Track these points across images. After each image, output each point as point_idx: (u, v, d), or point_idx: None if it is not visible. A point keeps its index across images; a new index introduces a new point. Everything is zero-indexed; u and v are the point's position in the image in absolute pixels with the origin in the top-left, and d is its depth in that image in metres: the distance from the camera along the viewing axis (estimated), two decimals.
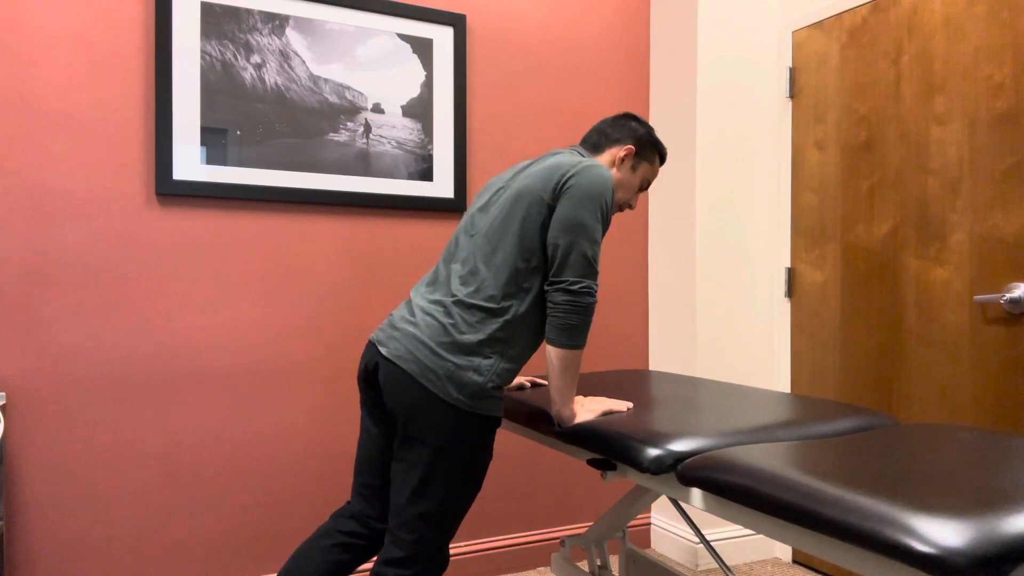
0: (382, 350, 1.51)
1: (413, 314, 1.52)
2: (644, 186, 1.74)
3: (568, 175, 1.50)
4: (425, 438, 1.45)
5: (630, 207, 1.74)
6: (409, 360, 1.46)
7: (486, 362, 1.46)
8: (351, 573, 1.64)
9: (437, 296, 1.53)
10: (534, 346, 1.56)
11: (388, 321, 1.57)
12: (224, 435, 2.26)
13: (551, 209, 1.50)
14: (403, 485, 1.48)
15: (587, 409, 1.53)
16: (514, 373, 1.53)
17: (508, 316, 1.48)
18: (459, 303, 1.49)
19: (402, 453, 1.48)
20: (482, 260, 1.51)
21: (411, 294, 1.61)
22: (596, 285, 1.48)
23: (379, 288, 2.46)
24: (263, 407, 2.31)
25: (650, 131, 1.71)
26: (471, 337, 1.46)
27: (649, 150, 1.70)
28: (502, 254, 1.50)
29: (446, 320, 1.48)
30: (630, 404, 1.58)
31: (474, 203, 1.67)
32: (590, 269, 1.47)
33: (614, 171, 1.67)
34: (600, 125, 1.72)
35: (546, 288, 1.49)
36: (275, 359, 2.32)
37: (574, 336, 1.46)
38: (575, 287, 1.45)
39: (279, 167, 2.30)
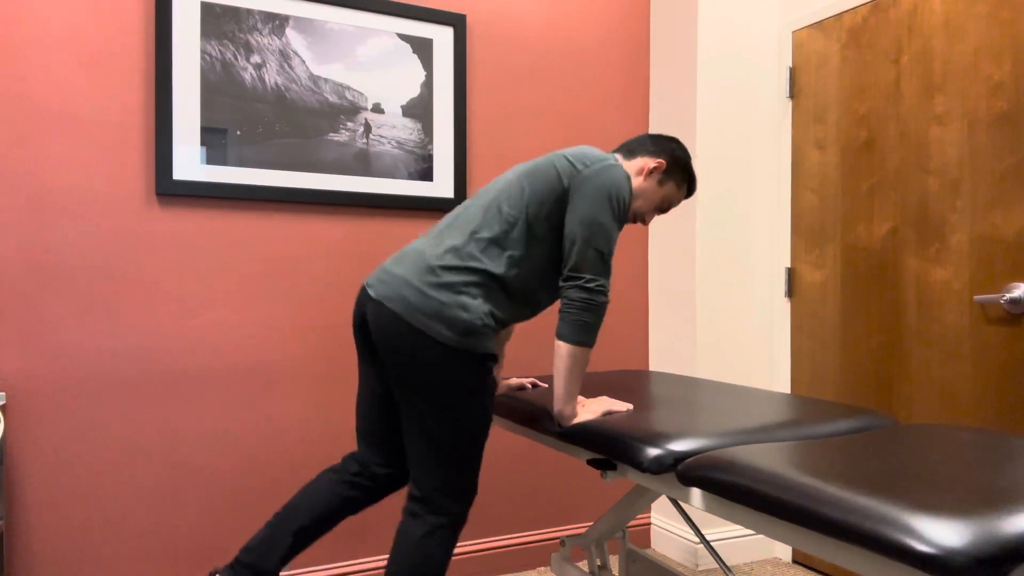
0: (370, 291, 1.52)
1: (403, 256, 1.54)
2: (664, 207, 1.73)
3: (590, 165, 1.52)
4: (420, 379, 1.46)
5: (643, 222, 1.73)
6: (396, 300, 1.47)
7: (473, 301, 1.47)
8: (357, 511, 1.67)
9: (429, 240, 1.55)
10: (515, 314, 1.56)
11: (380, 265, 1.59)
12: (224, 434, 2.26)
13: (564, 191, 1.52)
14: (409, 428, 1.49)
15: (588, 409, 1.54)
16: (500, 320, 1.52)
17: (493, 268, 1.49)
18: (451, 248, 1.51)
19: (402, 397, 1.50)
20: (483, 221, 1.53)
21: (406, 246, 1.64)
22: (609, 285, 1.50)
23: None
24: (263, 406, 2.31)
25: (688, 159, 1.71)
26: (456, 277, 1.47)
27: (680, 173, 1.70)
28: (504, 215, 1.52)
29: (434, 261, 1.49)
30: (630, 405, 1.58)
31: (480, 190, 1.70)
32: (604, 268, 1.49)
33: (640, 179, 1.67)
34: (643, 136, 1.73)
35: (561, 283, 1.51)
36: (275, 358, 2.32)
37: (586, 334, 1.48)
38: (591, 285, 1.47)
39: (279, 167, 2.30)
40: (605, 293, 1.49)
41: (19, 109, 2.03)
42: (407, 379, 1.47)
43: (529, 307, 1.59)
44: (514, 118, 2.68)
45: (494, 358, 1.51)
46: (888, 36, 2.40)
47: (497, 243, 1.51)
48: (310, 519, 1.62)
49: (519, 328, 2.69)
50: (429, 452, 1.48)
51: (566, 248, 1.50)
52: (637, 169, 1.67)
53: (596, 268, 1.48)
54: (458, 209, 1.61)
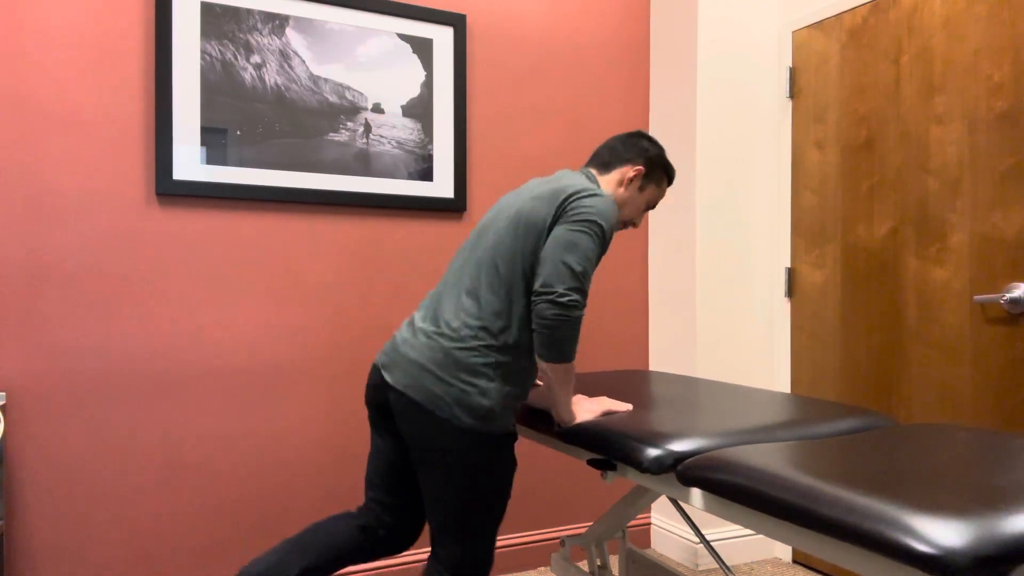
0: (388, 377, 1.51)
1: (416, 338, 1.52)
2: (650, 206, 1.74)
3: (572, 199, 1.49)
4: (444, 462, 1.47)
5: (634, 225, 1.74)
6: (417, 388, 1.46)
7: (492, 385, 1.46)
8: (364, 561, 1.67)
9: (439, 320, 1.52)
10: (533, 373, 1.57)
11: (391, 344, 1.57)
12: (224, 434, 2.26)
13: (550, 231, 1.49)
14: (432, 506, 1.51)
15: (587, 410, 1.54)
16: (521, 396, 1.53)
17: (508, 340, 1.48)
18: (462, 328, 1.48)
19: (424, 476, 1.51)
20: (484, 283, 1.50)
21: (414, 315, 1.61)
22: (583, 299, 1.43)
23: (379, 288, 2.46)
24: (263, 406, 2.31)
25: (661, 152, 1.70)
26: (475, 360, 1.46)
27: (658, 171, 1.70)
28: (503, 277, 1.49)
29: (449, 344, 1.47)
30: (630, 406, 1.58)
31: (481, 221, 1.66)
32: (578, 283, 1.42)
33: (621, 190, 1.66)
34: (611, 142, 1.70)
35: (533, 299, 1.43)
36: (275, 358, 2.32)
37: (565, 351, 1.44)
38: (563, 300, 1.40)
39: (279, 167, 2.30)
40: (579, 307, 1.42)
41: (19, 109, 2.03)
42: (430, 460, 1.48)
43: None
44: (514, 118, 2.68)
45: (515, 436, 1.53)
46: (888, 36, 2.40)
47: (505, 311, 1.48)
48: (319, 558, 1.60)
49: None
50: (449, 524, 1.50)
51: (540, 265, 1.45)
52: (617, 180, 1.66)
53: (569, 282, 1.41)
54: (460, 268, 1.57)
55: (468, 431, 1.45)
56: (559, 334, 1.42)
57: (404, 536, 1.67)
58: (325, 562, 1.61)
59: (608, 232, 1.49)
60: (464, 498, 1.48)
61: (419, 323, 1.55)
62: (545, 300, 1.41)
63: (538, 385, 1.94)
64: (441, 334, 1.49)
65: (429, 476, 1.49)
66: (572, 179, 1.57)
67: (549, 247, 1.45)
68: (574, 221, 1.46)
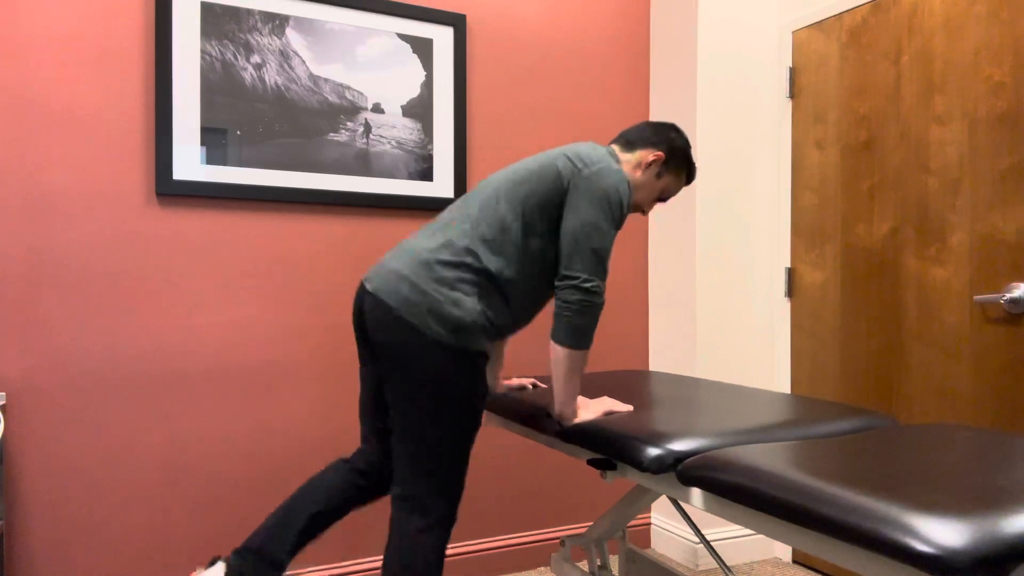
0: (367, 285, 1.52)
1: (400, 250, 1.54)
2: (664, 197, 1.74)
3: (590, 165, 1.51)
4: (412, 373, 1.45)
5: (643, 212, 1.74)
6: (391, 293, 1.47)
7: (468, 299, 1.46)
8: (367, 501, 1.67)
9: (427, 237, 1.54)
10: (514, 315, 1.54)
11: (379, 260, 1.59)
12: (224, 434, 2.26)
13: (565, 190, 1.51)
14: (397, 425, 1.49)
15: (589, 409, 1.53)
16: (494, 324, 1.50)
17: (490, 266, 1.48)
18: (447, 243, 1.50)
19: (392, 392, 1.49)
20: (479, 212, 1.52)
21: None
22: (604, 287, 1.48)
23: None
24: (263, 406, 2.31)
25: (687, 147, 1.70)
26: (452, 273, 1.47)
27: (679, 163, 1.70)
28: (501, 211, 1.51)
29: (430, 256, 1.49)
30: (631, 407, 1.58)
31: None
32: (601, 269, 1.47)
33: (638, 172, 1.67)
34: (642, 124, 1.71)
35: (557, 283, 1.49)
36: (275, 358, 2.32)
37: (583, 337, 1.47)
38: (587, 285, 1.45)
39: (279, 167, 2.30)
40: (601, 294, 1.48)
41: (19, 109, 2.03)
42: (397, 373, 1.47)
43: (525, 308, 1.56)
44: (514, 118, 2.68)
45: (485, 357, 1.50)
46: (888, 36, 2.40)
47: (495, 241, 1.50)
48: (323, 506, 1.61)
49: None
50: (415, 450, 1.47)
51: (563, 247, 1.49)
52: (636, 162, 1.67)
53: (593, 268, 1.47)
54: (457, 203, 1.61)
55: (437, 341, 1.44)
56: (581, 319, 1.45)
57: None
58: (332, 507, 1.61)
59: (625, 212, 1.52)
60: (429, 413, 1.45)
61: (407, 241, 1.57)
62: (570, 285, 1.46)
63: (538, 385, 1.94)
64: (426, 248, 1.51)
65: (398, 391, 1.47)
66: (595, 149, 1.58)
67: (572, 225, 1.48)
68: (594, 196, 1.49)
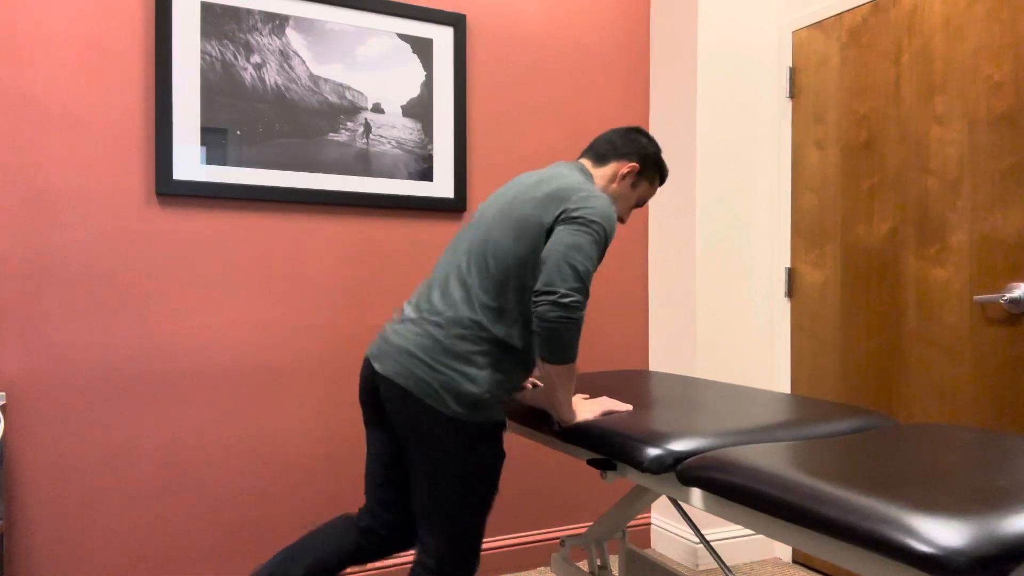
0: (377, 367, 1.51)
1: (405, 327, 1.52)
2: (640, 203, 1.74)
3: (572, 206, 1.47)
4: (432, 452, 1.46)
5: (621, 221, 1.74)
6: (406, 376, 1.46)
7: (481, 373, 1.45)
8: (364, 562, 1.66)
9: (429, 309, 1.52)
10: (527, 366, 1.55)
11: (381, 335, 1.57)
12: (224, 435, 2.26)
13: (549, 234, 1.48)
14: (420, 496, 1.50)
15: (587, 409, 1.53)
16: (510, 388, 1.52)
17: (498, 333, 1.47)
18: (451, 316, 1.48)
19: (414, 467, 1.50)
20: (475, 277, 1.50)
21: (404, 306, 1.61)
22: (584, 301, 1.42)
23: (379, 288, 2.46)
24: (263, 407, 2.31)
25: (657, 151, 1.70)
26: (463, 347, 1.46)
27: (652, 169, 1.70)
28: (493, 274, 1.49)
29: (438, 332, 1.47)
30: (630, 406, 1.58)
31: (473, 217, 1.65)
32: (580, 283, 1.40)
33: (614, 185, 1.66)
34: (610, 135, 1.69)
35: (534, 299, 1.42)
36: (275, 359, 2.32)
37: (567, 352, 1.44)
38: (566, 300, 1.38)
39: (279, 167, 2.30)
40: (581, 309, 1.41)
41: (19, 109, 2.03)
42: (419, 449, 1.48)
43: (531, 363, 1.57)
44: (514, 118, 2.68)
45: (503, 425, 1.52)
46: (888, 36, 2.40)
47: (497, 308, 1.47)
48: (321, 561, 1.61)
49: None
50: (435, 515, 1.49)
51: (542, 265, 1.43)
52: (611, 175, 1.66)
53: (571, 282, 1.40)
54: (451, 256, 1.57)
55: (456, 419, 1.44)
56: (562, 336, 1.41)
57: (406, 534, 1.67)
58: (327, 564, 1.61)
59: (609, 234, 1.49)
60: (451, 488, 1.47)
61: (408, 313, 1.55)
62: (547, 301, 1.40)
63: (538, 385, 1.94)
64: (430, 322, 1.49)
65: (417, 465, 1.49)
66: (569, 178, 1.54)
67: (551, 247, 1.44)
68: (576, 221, 1.46)
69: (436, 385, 1.44)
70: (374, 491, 1.65)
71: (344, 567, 1.64)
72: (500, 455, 1.53)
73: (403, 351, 1.48)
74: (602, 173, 1.67)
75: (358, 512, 1.70)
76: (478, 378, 1.45)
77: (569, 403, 1.52)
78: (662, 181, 1.75)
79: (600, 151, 1.68)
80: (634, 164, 1.66)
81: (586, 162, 1.69)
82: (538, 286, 1.42)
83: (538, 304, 1.41)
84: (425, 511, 1.50)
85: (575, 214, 1.46)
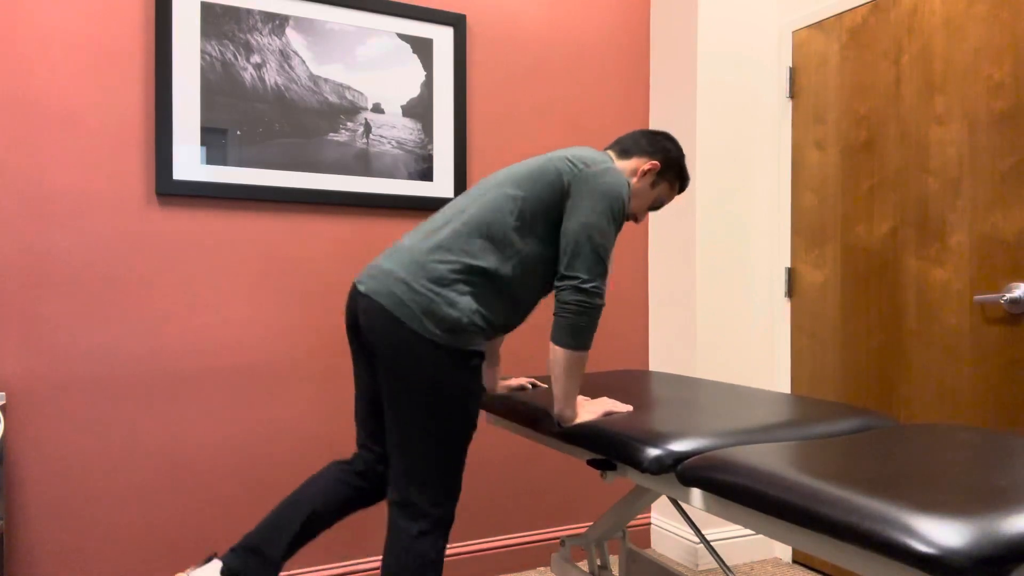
0: (360, 287, 1.51)
1: (394, 251, 1.53)
2: (657, 205, 1.73)
3: (591, 166, 1.51)
4: (407, 375, 1.44)
5: (635, 220, 1.74)
6: (384, 294, 1.45)
7: (462, 299, 1.45)
8: (368, 504, 1.66)
9: (421, 237, 1.53)
10: (508, 313, 1.53)
11: (371, 262, 1.57)
12: (224, 434, 2.26)
13: (565, 190, 1.50)
14: (393, 425, 1.47)
15: (588, 410, 1.53)
16: (490, 324, 1.50)
17: (486, 264, 1.47)
18: (443, 242, 1.48)
19: (387, 393, 1.47)
20: (477, 210, 1.51)
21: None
22: (605, 287, 1.47)
23: None
24: (263, 406, 2.31)
25: (681, 156, 1.70)
26: (447, 272, 1.45)
27: (673, 172, 1.70)
28: (498, 210, 1.50)
29: (425, 256, 1.47)
30: (631, 407, 1.58)
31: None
32: (601, 270, 1.46)
33: (634, 180, 1.67)
34: (636, 134, 1.71)
35: (556, 283, 1.48)
36: (275, 358, 2.32)
37: (582, 338, 1.46)
38: (587, 286, 1.44)
39: (279, 167, 2.30)
40: (601, 295, 1.47)
41: (19, 109, 2.03)
42: (392, 374, 1.45)
43: (519, 308, 1.55)
44: (514, 118, 2.68)
45: (481, 356, 1.49)
46: (888, 36, 2.40)
47: (492, 239, 1.49)
48: (322, 506, 1.60)
49: (520, 326, 2.69)
50: (410, 453, 1.46)
51: (563, 247, 1.48)
52: (631, 170, 1.66)
53: (593, 269, 1.46)
54: (453, 202, 1.60)
55: (432, 341, 1.43)
56: (581, 321, 1.45)
57: None
58: (330, 508, 1.60)
59: (622, 212, 1.51)
60: (422, 413, 1.44)
61: (401, 241, 1.56)
62: (570, 286, 1.45)
63: (538, 385, 1.94)
64: (418, 248, 1.49)
65: (393, 392, 1.46)
66: (595, 152, 1.58)
67: (572, 226, 1.47)
68: (595, 196, 1.48)
69: (414, 306, 1.43)
70: (364, 425, 1.65)
71: (346, 512, 1.63)
72: (475, 385, 1.49)
73: (386, 272, 1.48)
74: (623, 166, 1.67)
75: (351, 457, 1.68)
76: (458, 302, 1.44)
77: (573, 397, 1.51)
78: (682, 188, 1.75)
79: (625, 146, 1.69)
80: (656, 163, 1.66)
81: (611, 153, 1.70)
82: (561, 270, 1.47)
83: (561, 288, 1.47)
84: (394, 440, 1.47)
85: (593, 184, 1.49)
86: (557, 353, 1.48)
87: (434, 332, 1.43)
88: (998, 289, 2.08)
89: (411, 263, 1.47)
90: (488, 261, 1.48)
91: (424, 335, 1.43)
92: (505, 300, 1.51)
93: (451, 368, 1.45)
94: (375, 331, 1.47)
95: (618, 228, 1.51)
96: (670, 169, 1.69)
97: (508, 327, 1.57)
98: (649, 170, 1.66)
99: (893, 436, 1.30)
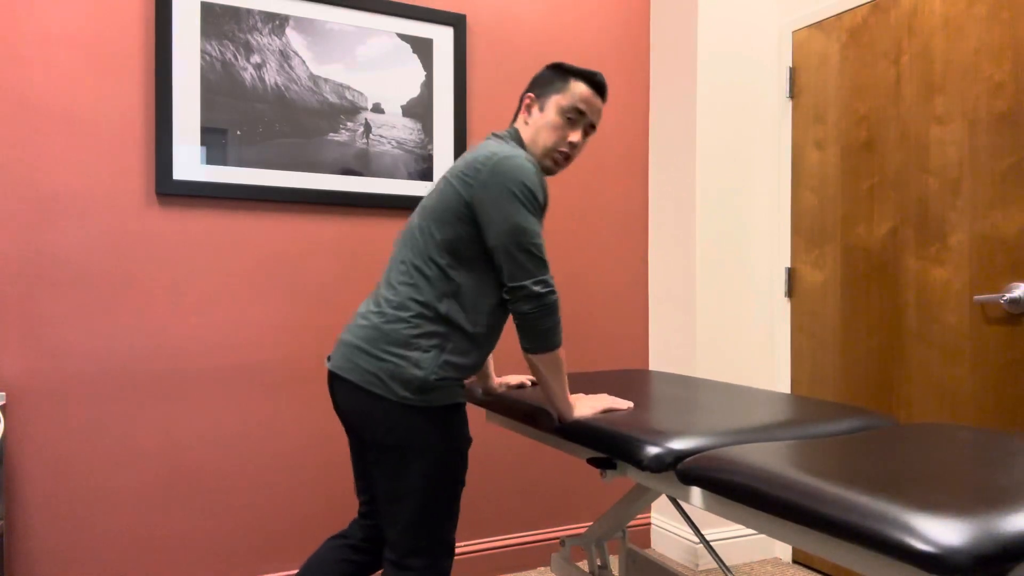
0: (328, 365, 1.52)
1: (355, 324, 1.52)
2: (570, 115, 1.54)
3: (482, 169, 1.43)
4: (385, 442, 1.43)
5: (568, 151, 1.56)
6: (350, 369, 1.45)
7: (425, 356, 1.42)
8: (374, 568, 1.66)
9: (376, 302, 1.51)
10: (480, 344, 1.50)
11: (339, 336, 1.58)
12: (224, 434, 2.26)
13: (470, 211, 1.44)
14: (382, 492, 1.47)
15: (587, 405, 1.52)
16: (463, 368, 1.47)
17: (441, 310, 1.44)
18: (390, 301, 1.46)
19: (372, 462, 1.48)
20: (412, 257, 1.48)
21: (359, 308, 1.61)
22: (550, 278, 1.43)
23: None
24: (263, 406, 2.31)
25: (554, 64, 1.58)
26: (405, 332, 1.43)
27: (548, 82, 1.56)
28: (428, 251, 1.46)
29: (378, 320, 1.45)
30: (631, 404, 1.57)
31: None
32: (540, 263, 1.42)
33: (527, 127, 1.57)
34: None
35: (506, 296, 1.44)
36: (275, 359, 2.32)
37: (551, 338, 1.43)
38: (535, 289, 1.40)
39: (279, 167, 2.30)
40: (551, 290, 1.42)
41: (19, 109, 2.03)
42: (376, 445, 1.45)
43: (491, 334, 1.52)
44: None
45: (459, 407, 1.47)
46: (888, 36, 2.40)
47: (434, 282, 1.45)
48: None
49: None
50: (401, 513, 1.45)
51: (496, 263, 1.43)
52: (522, 122, 1.59)
53: (533, 270, 1.41)
54: (393, 254, 1.57)
55: (404, 404, 1.41)
56: (543, 324, 1.42)
57: None
58: None
59: (536, 191, 1.43)
60: (415, 479, 1.43)
61: (360, 310, 1.55)
62: (519, 296, 1.41)
63: (527, 385, 1.94)
64: (374, 312, 1.48)
65: (378, 462, 1.45)
66: (481, 147, 1.51)
67: (494, 240, 1.42)
68: (500, 196, 1.41)
69: (381, 374, 1.42)
70: (362, 496, 1.66)
71: None
72: (458, 442, 1.47)
73: (349, 345, 1.47)
74: (518, 122, 1.60)
75: (349, 526, 1.69)
76: (422, 361, 1.42)
77: (565, 395, 1.49)
78: (581, 76, 1.55)
79: (518, 108, 1.64)
80: (529, 94, 1.58)
81: (516, 126, 1.62)
82: (505, 283, 1.43)
83: (511, 301, 1.43)
84: (384, 505, 1.46)
85: (484, 180, 1.42)
86: (533, 360, 1.46)
87: (405, 396, 1.41)
88: (998, 289, 2.08)
89: (368, 329, 1.46)
90: (442, 306, 1.44)
91: (396, 400, 1.41)
92: (471, 336, 1.48)
93: (430, 428, 1.43)
94: (348, 405, 1.47)
95: (537, 208, 1.44)
96: (543, 82, 1.56)
97: (486, 353, 1.54)
98: (528, 104, 1.57)
99: (893, 436, 1.29)
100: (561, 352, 1.47)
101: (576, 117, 1.55)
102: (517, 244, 1.41)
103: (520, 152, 1.46)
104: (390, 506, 1.46)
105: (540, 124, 1.55)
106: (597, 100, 1.58)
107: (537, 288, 1.41)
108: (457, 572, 2.55)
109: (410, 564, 1.46)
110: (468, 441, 1.51)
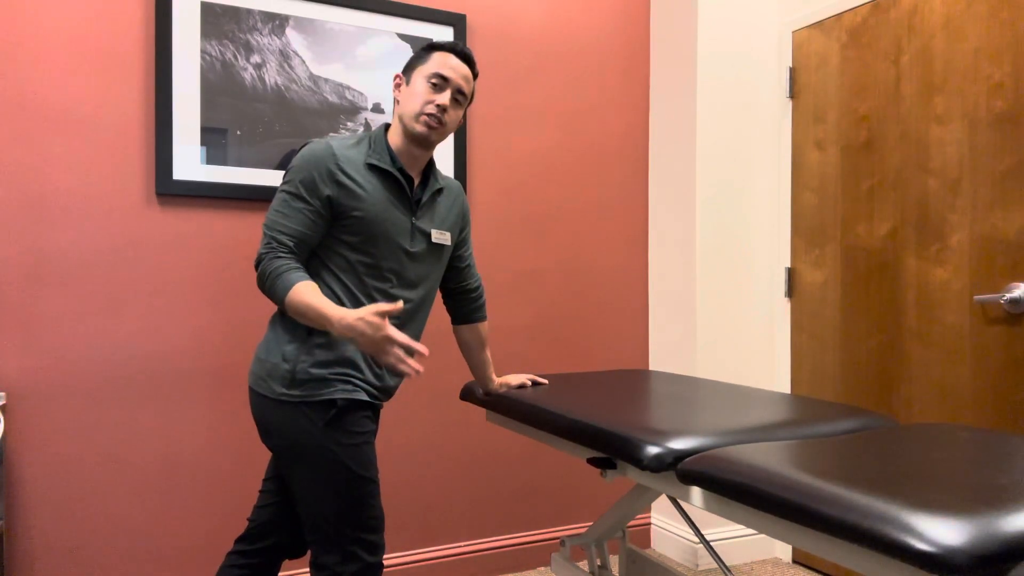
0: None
1: None
2: (433, 79, 1.52)
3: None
4: (277, 444, 1.47)
5: (436, 112, 1.52)
6: (249, 376, 1.53)
7: (289, 347, 1.47)
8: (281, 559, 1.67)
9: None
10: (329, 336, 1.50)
11: None
12: (224, 435, 2.26)
13: None
14: (295, 496, 1.49)
15: (353, 315, 1.34)
16: (330, 363, 1.45)
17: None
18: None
19: (281, 467, 1.52)
20: None
21: None
22: (266, 251, 1.44)
23: None
24: None
25: (421, 47, 1.67)
26: (279, 327, 1.51)
27: (415, 59, 1.57)
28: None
29: (269, 323, 1.56)
30: (399, 304, 1.33)
31: None
32: (267, 240, 1.45)
33: (398, 104, 1.57)
34: None
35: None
36: None
37: (275, 296, 1.41)
38: (257, 258, 1.46)
39: (279, 167, 2.30)
40: (259, 258, 1.44)
41: (20, 109, 2.03)
42: (272, 448, 1.49)
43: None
44: (514, 118, 2.68)
45: (333, 404, 1.45)
46: (888, 36, 2.40)
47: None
48: None
49: (519, 325, 2.69)
50: (309, 515, 1.45)
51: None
52: (395, 104, 1.60)
53: (262, 244, 1.46)
54: None
55: (281, 400, 1.45)
56: (264, 288, 1.44)
57: (283, 546, 1.69)
58: None
59: (298, 171, 1.45)
60: (304, 482, 1.44)
61: None
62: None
63: (538, 383, 1.94)
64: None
65: (279, 464, 1.49)
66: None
67: None
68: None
69: (262, 373, 1.48)
70: (265, 483, 1.68)
71: None
72: (348, 438, 1.45)
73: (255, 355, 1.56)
74: (394, 107, 1.67)
75: (245, 528, 1.71)
76: (287, 353, 1.46)
77: (325, 315, 1.34)
78: (435, 48, 1.55)
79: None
80: (398, 74, 1.60)
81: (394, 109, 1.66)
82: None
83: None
84: (300, 509, 1.48)
85: None
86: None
87: (281, 392, 1.45)
88: (998, 289, 2.08)
89: (266, 334, 1.55)
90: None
91: (273, 397, 1.46)
92: (320, 331, 1.47)
93: (314, 425, 1.44)
94: (252, 412, 1.53)
95: (292, 190, 1.45)
96: (412, 61, 1.57)
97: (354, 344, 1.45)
98: (396, 83, 1.60)
99: (893, 436, 1.30)
100: (291, 296, 1.38)
101: (440, 82, 1.53)
102: (265, 224, 1.49)
103: (328, 140, 1.51)
104: (299, 507, 1.48)
105: (406, 95, 1.55)
106: (463, 67, 1.56)
107: (257, 258, 1.46)
108: (457, 572, 2.55)
109: (323, 563, 1.46)
110: (364, 435, 1.48)
